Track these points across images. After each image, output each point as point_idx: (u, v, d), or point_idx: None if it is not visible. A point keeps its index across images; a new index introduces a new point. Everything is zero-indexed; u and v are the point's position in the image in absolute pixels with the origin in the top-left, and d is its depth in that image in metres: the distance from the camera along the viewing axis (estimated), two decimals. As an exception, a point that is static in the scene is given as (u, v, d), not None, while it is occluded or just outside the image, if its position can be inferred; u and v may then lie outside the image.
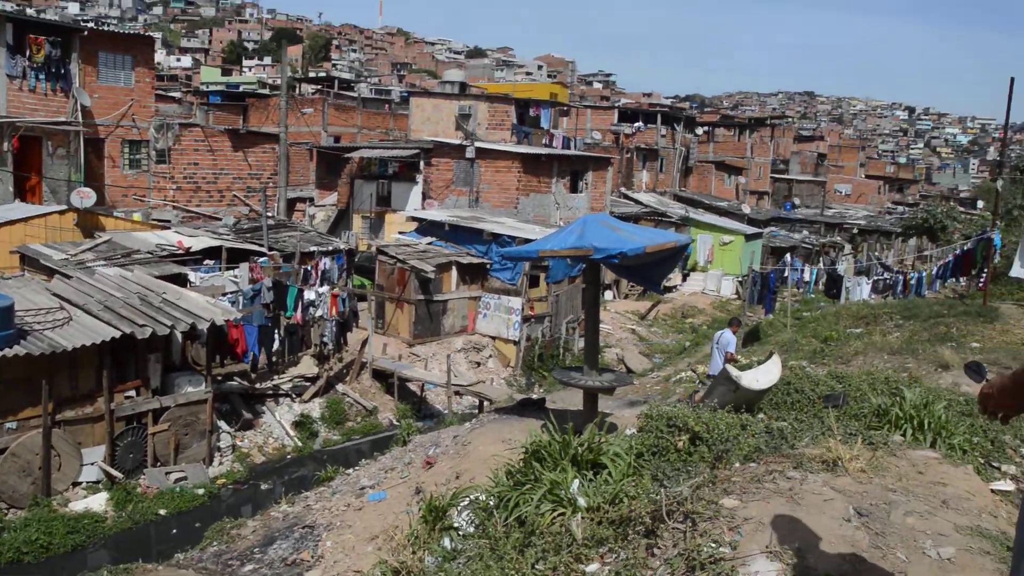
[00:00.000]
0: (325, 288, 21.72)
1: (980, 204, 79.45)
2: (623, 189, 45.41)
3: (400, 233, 28.37)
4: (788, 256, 34.90)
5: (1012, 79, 18.37)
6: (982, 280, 21.41)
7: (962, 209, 70.03)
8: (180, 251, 20.96)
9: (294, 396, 20.36)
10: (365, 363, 22.21)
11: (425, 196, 31.55)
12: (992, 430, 6.94)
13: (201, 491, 15.74)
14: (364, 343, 22.22)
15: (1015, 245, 19.38)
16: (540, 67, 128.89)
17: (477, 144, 31.14)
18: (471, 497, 6.87)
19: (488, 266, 25.71)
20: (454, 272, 25.04)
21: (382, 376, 22.29)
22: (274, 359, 20.52)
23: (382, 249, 25.25)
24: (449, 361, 21.78)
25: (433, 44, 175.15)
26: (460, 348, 24.26)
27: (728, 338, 14.29)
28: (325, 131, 43.17)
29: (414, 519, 7.05)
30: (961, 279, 24.73)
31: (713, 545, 4.21)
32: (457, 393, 21.66)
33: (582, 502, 5.12)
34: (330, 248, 24.36)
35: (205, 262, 21.18)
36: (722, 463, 5.74)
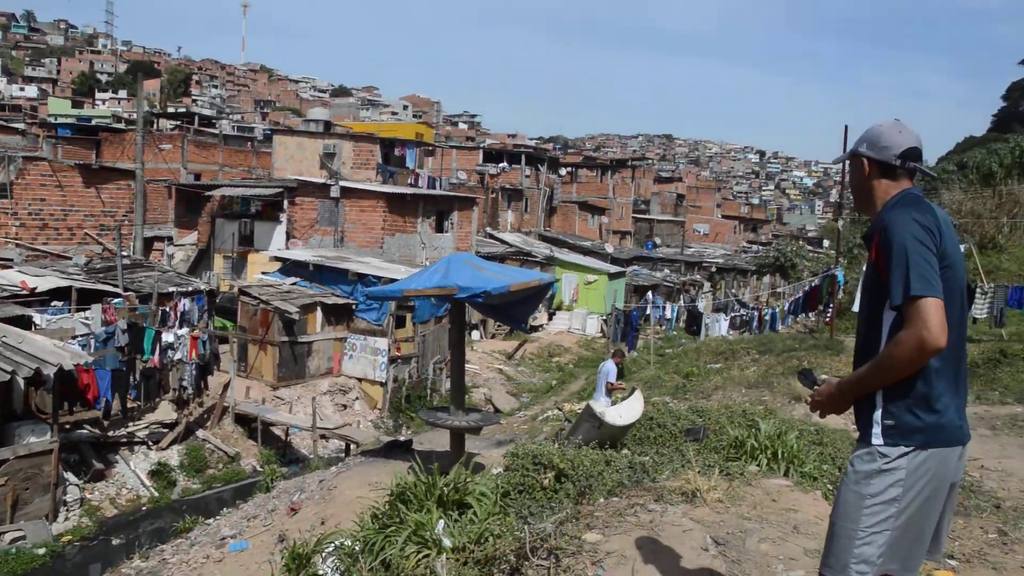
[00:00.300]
0: (184, 330, 20.88)
1: (826, 243, 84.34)
2: (489, 229, 45.89)
3: (263, 273, 27.70)
4: (650, 294, 36.00)
5: (846, 127, 19.93)
6: (829, 315, 22.73)
7: (810, 248, 74.14)
8: (24, 291, 19.75)
9: (151, 444, 19.36)
10: (227, 407, 21.42)
11: (289, 236, 30.96)
12: (839, 457, 7.35)
13: (42, 551, 14.52)
14: (226, 387, 21.45)
15: (856, 281, 20.72)
16: (406, 107, 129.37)
17: (342, 183, 30.86)
18: (336, 543, 6.71)
19: (354, 306, 25.39)
20: (319, 313, 24.59)
21: (245, 421, 21.54)
22: (129, 405, 19.52)
23: (245, 290, 24.55)
24: (314, 404, 21.28)
25: (297, 82, 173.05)
26: (326, 390, 23.75)
27: (609, 368, 14.75)
28: (185, 168, 41.85)
29: (276, 568, 6.84)
30: (810, 314, 26.13)
31: (576, 580, 4.26)
32: (323, 437, 21.17)
33: (447, 543, 5.10)
34: (190, 288, 23.48)
35: (52, 303, 20.01)
36: (586, 499, 5.84)
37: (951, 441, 2.90)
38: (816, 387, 3.19)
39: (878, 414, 2.92)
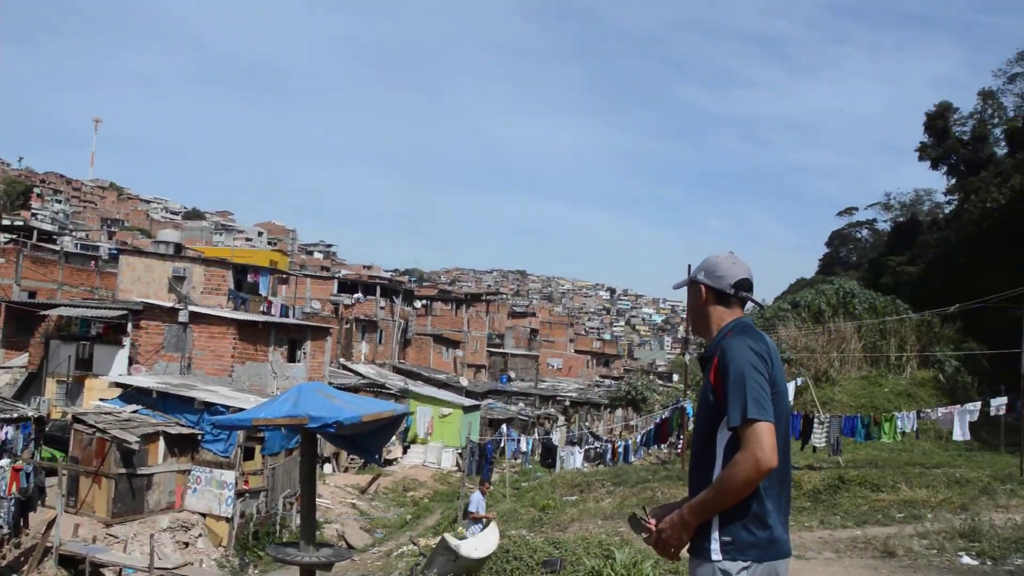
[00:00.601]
0: (5, 461, 19.35)
1: (675, 377, 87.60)
2: (342, 359, 45.35)
3: (102, 400, 26.15)
4: (505, 427, 36.18)
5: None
6: (679, 446, 23.48)
7: (660, 382, 76.79)
8: None
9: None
10: (50, 547, 19.72)
11: (132, 361, 29.57)
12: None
13: None
14: (50, 524, 19.81)
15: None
16: (260, 233, 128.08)
17: (191, 308, 29.99)
18: None
19: (200, 437, 24.27)
20: (161, 443, 23.32)
21: (71, 562, 19.81)
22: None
23: (79, 417, 23.07)
24: (153, 542, 19.91)
25: (149, 202, 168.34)
26: (166, 527, 22.29)
27: (475, 498, 14.83)
28: (18, 284, 39.68)
29: None
30: (662, 446, 26.89)
31: None
32: (160, 578, 19.77)
33: None
34: (15, 415, 21.88)
35: None
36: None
37: (781, 554, 3.10)
38: (647, 526, 3.23)
39: (715, 532, 3.04)
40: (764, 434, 2.95)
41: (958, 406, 19.91)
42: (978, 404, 19.96)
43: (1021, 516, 13.85)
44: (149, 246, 39.38)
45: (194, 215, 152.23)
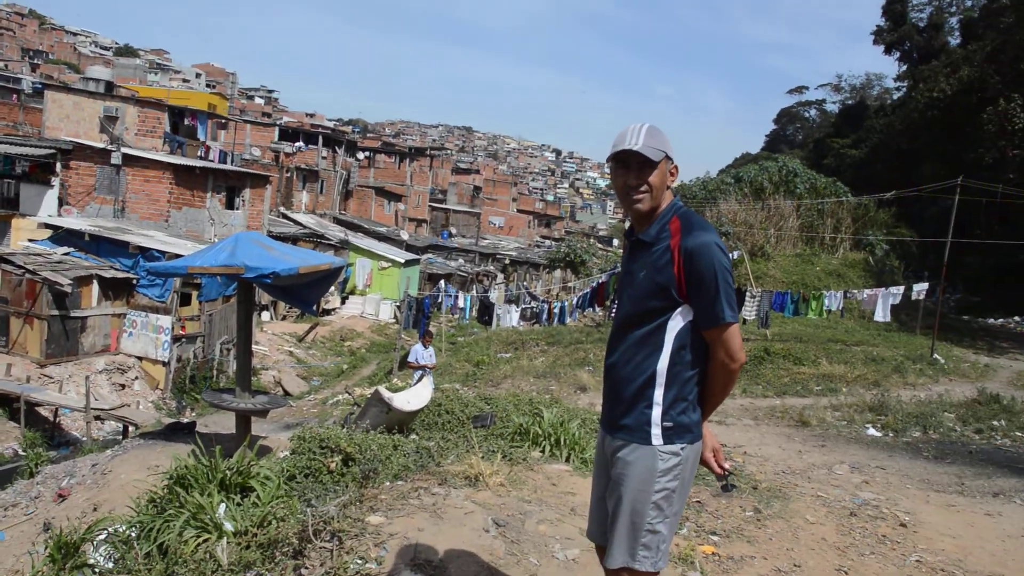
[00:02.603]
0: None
1: (615, 242, 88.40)
2: (282, 209, 44.67)
3: (31, 241, 25.55)
4: (443, 283, 36.42)
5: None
6: (614, 310, 23.91)
7: (600, 246, 77.57)
8: None
9: None
10: (-19, 385, 19.66)
11: (62, 202, 28.71)
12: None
13: None
14: (-19, 363, 19.70)
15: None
16: (199, 75, 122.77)
17: (125, 150, 28.97)
18: (109, 529, 6.41)
19: (135, 281, 24.00)
20: (95, 287, 23.05)
21: (5, 401, 19.81)
22: None
23: (7, 257, 22.54)
24: (88, 383, 19.96)
25: (75, 35, 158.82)
26: (102, 369, 22.32)
27: (415, 349, 15.19)
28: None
29: (39, 559, 6.44)
30: (597, 309, 27.41)
31: (359, 562, 4.34)
32: (98, 418, 19.86)
33: (229, 526, 4.97)
34: (-60, 254, 21.34)
35: None
36: (371, 482, 5.89)
37: (701, 435, 3.25)
38: (727, 477, 3.36)
39: (656, 416, 3.14)
40: (739, 335, 3.13)
41: (883, 288, 20.63)
42: (901, 288, 20.74)
43: (925, 393, 14.68)
44: (77, 82, 37.27)
45: (126, 52, 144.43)
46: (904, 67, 55.43)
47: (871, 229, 30.73)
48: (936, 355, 18.58)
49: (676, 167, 3.24)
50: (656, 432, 3.14)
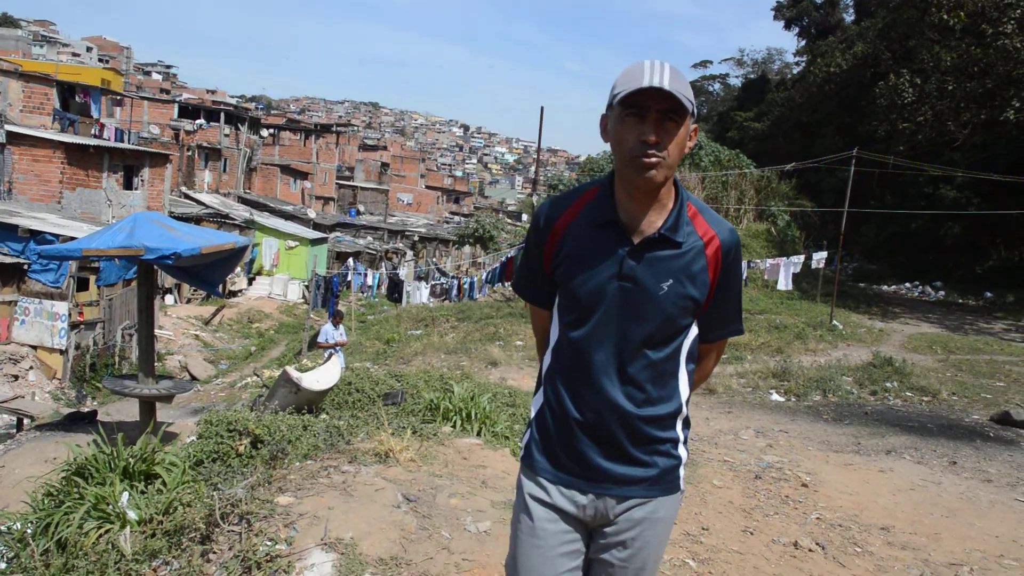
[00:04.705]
0: None
1: (524, 217, 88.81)
2: (184, 188, 43.37)
3: (-90, 226, 24.17)
4: (351, 260, 35.98)
5: (542, 108, 21.14)
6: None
7: (509, 221, 77.71)
8: None
9: None
10: None
11: (-57, 184, 27.23)
12: (526, 418, 7.97)
13: None
14: None
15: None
16: (90, 49, 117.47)
17: (9, 128, 27.55)
18: (2, 527, 6.15)
19: (26, 267, 22.94)
20: (-18, 272, 21.97)
21: None
22: None
23: None
24: (-25, 374, 19.08)
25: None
26: (-9, 359, 21.35)
27: (325, 329, 15.06)
28: None
29: (-82, 566, 6.10)
30: (507, 283, 27.52)
31: (269, 543, 4.28)
32: (-13, 411, 19.04)
33: (132, 515, 4.83)
34: None
35: None
36: (279, 463, 5.83)
37: None
38: None
39: (684, 455, 2.56)
40: None
41: (784, 258, 21.25)
42: (802, 257, 21.42)
43: (825, 358, 15.24)
44: (-44, 54, 35.37)
45: (6, 22, 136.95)
46: (803, 42, 57.12)
47: (773, 200, 31.60)
48: (835, 321, 19.26)
49: (697, 126, 2.44)
50: (682, 474, 2.53)
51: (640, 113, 2.23)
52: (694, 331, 2.48)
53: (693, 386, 2.56)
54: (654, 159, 2.23)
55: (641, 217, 2.36)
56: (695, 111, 2.30)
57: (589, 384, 2.42)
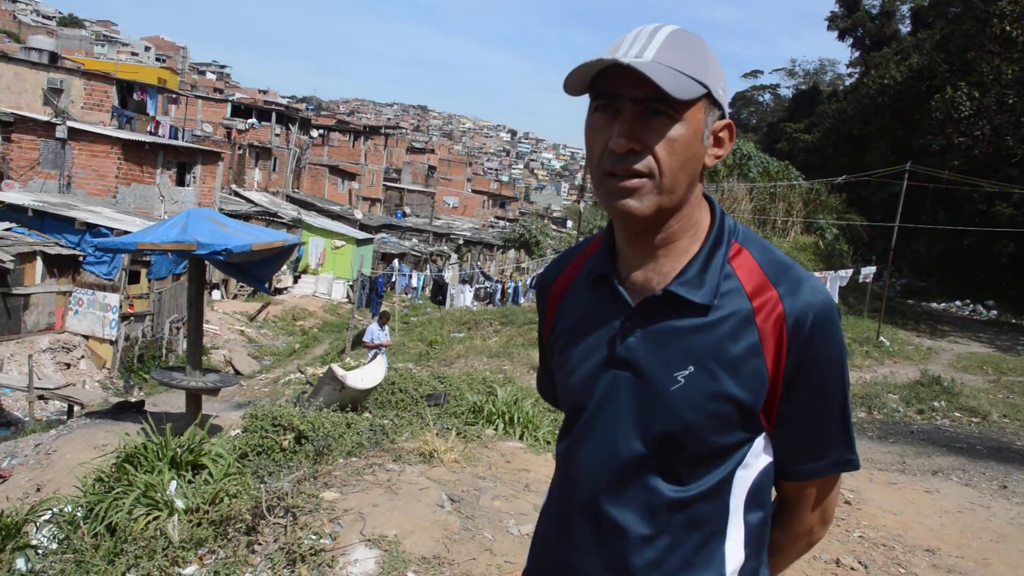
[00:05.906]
0: None
1: (569, 223, 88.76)
2: (234, 186, 44.04)
3: (-31, 216, 24.86)
4: (396, 262, 36.27)
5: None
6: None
7: (554, 227, 77.81)
8: None
9: None
10: (-80, 364, 19.11)
11: (3, 176, 27.93)
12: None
13: None
14: (-81, 341, 19.13)
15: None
16: (148, 48, 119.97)
17: (70, 124, 28.25)
18: (54, 509, 6.29)
19: (81, 259, 23.47)
20: (39, 263, 22.48)
21: (-58, 380, 19.35)
22: None
23: (-53, 233, 21.96)
24: (31, 362, 19.52)
25: (15, 2, 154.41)
26: (46, 348, 21.82)
27: (371, 328, 15.21)
28: None
29: (-26, 542, 6.27)
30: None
31: (314, 537, 4.31)
32: (41, 398, 19.42)
33: (180, 504, 4.94)
34: None
35: None
36: (324, 459, 5.89)
37: None
38: None
39: None
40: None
41: (832, 272, 20.96)
42: (850, 271, 21.11)
43: (871, 375, 15.00)
44: (18, 52, 36.16)
45: (71, 22, 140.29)
46: (857, 53, 56.29)
47: (822, 213, 31.21)
48: (882, 338, 18.96)
49: (731, 124, 1.47)
50: None
51: (610, 104, 1.38)
52: (756, 464, 1.47)
53: (775, 558, 1.59)
54: (625, 183, 1.36)
55: (647, 267, 1.48)
56: (719, 99, 1.41)
57: (567, 531, 1.54)
